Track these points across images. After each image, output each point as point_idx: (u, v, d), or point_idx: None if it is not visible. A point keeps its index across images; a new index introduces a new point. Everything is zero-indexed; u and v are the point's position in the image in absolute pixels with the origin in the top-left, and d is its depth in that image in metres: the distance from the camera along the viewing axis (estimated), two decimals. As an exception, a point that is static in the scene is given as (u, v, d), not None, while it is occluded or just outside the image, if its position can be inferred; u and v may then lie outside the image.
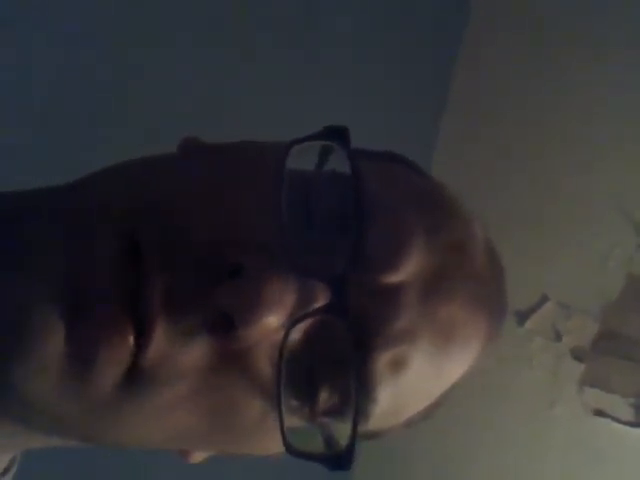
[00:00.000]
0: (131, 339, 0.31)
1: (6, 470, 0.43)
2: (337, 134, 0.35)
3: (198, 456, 0.42)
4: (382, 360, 0.34)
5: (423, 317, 0.35)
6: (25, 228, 0.35)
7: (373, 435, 0.39)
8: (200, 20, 1.15)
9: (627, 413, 1.49)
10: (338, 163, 0.35)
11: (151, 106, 1.08)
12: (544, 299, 1.56)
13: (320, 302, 0.32)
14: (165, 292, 0.31)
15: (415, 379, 0.36)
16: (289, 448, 0.33)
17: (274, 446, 0.36)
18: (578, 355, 1.53)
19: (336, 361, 0.33)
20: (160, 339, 0.31)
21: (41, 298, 0.31)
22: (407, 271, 0.34)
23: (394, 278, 0.34)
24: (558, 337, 1.56)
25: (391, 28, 1.44)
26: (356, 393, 0.33)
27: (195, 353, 0.32)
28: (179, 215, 0.33)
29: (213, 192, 0.34)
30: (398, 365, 0.34)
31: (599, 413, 1.51)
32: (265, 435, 0.35)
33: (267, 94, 1.21)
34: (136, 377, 0.32)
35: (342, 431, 0.34)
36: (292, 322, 0.32)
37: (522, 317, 1.57)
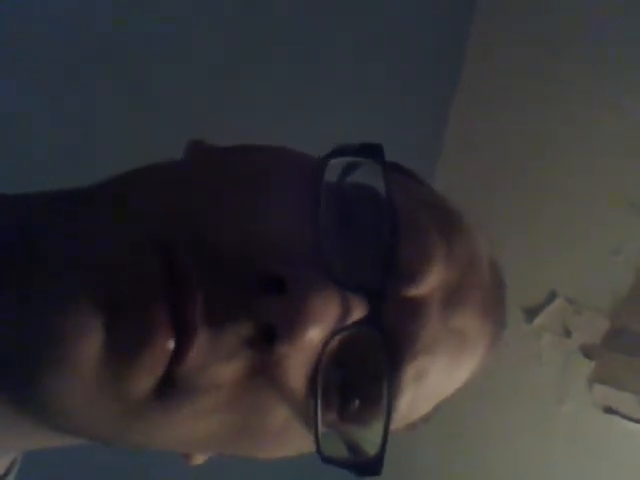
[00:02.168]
0: (171, 347, 0.31)
1: (7, 472, 0.43)
2: (374, 151, 0.36)
3: (200, 457, 0.43)
4: (410, 372, 0.35)
5: (442, 329, 0.36)
6: (57, 232, 0.34)
7: None
8: (201, 21, 1.15)
9: (637, 410, 1.48)
10: (363, 175, 0.36)
11: (151, 106, 1.08)
12: (553, 295, 1.55)
13: (358, 315, 0.33)
14: (207, 303, 0.31)
15: (429, 387, 0.37)
16: (322, 455, 0.34)
17: (291, 451, 0.38)
18: (588, 352, 1.52)
19: (368, 372, 0.35)
20: (200, 349, 0.31)
21: (79, 303, 0.31)
22: (431, 284, 0.36)
23: (420, 290, 0.35)
24: (567, 334, 1.55)
25: (393, 36, 1.44)
26: (387, 402, 0.34)
27: (233, 365, 0.32)
28: (215, 227, 0.33)
29: (249, 203, 0.34)
30: (420, 376, 0.36)
31: (609, 410, 1.50)
32: (286, 442, 0.36)
33: (268, 97, 1.21)
34: (171, 386, 0.32)
35: (365, 436, 0.35)
36: (331, 335, 0.33)
37: (531, 314, 1.57)
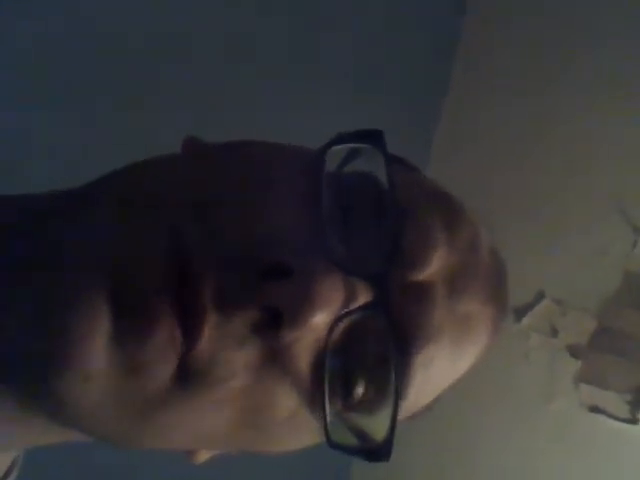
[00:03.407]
0: (180, 336, 0.31)
1: (7, 472, 0.43)
2: (374, 137, 0.36)
3: (202, 456, 0.42)
4: (419, 359, 0.35)
5: (448, 314, 0.36)
6: (63, 230, 0.34)
7: None
8: (202, 22, 1.15)
9: (623, 410, 1.49)
10: (364, 163, 0.37)
11: (150, 106, 1.08)
12: (541, 296, 1.56)
13: (363, 300, 0.34)
14: (215, 290, 0.31)
15: (435, 375, 0.37)
16: (331, 442, 0.34)
17: (298, 442, 0.38)
18: (574, 351, 1.53)
19: (373, 358, 0.35)
20: (210, 335, 0.31)
21: (87, 299, 0.31)
22: (434, 268, 0.36)
23: (424, 275, 0.35)
24: (554, 333, 1.56)
25: (390, 28, 1.44)
26: (396, 388, 0.34)
27: (244, 352, 0.32)
28: (225, 216, 0.33)
29: (255, 193, 0.35)
30: (428, 363, 0.36)
31: (595, 409, 1.51)
32: (293, 431, 0.36)
33: (267, 95, 1.22)
34: (186, 376, 0.32)
35: (371, 423, 0.35)
36: (336, 320, 0.33)
37: (519, 314, 1.57)
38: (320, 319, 0.32)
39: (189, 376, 0.32)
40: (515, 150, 1.58)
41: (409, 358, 0.35)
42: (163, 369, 0.31)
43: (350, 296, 0.33)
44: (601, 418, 1.50)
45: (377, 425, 0.35)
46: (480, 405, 1.59)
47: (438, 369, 0.37)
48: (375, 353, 0.35)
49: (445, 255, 0.36)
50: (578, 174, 1.52)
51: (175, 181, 0.35)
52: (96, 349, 0.31)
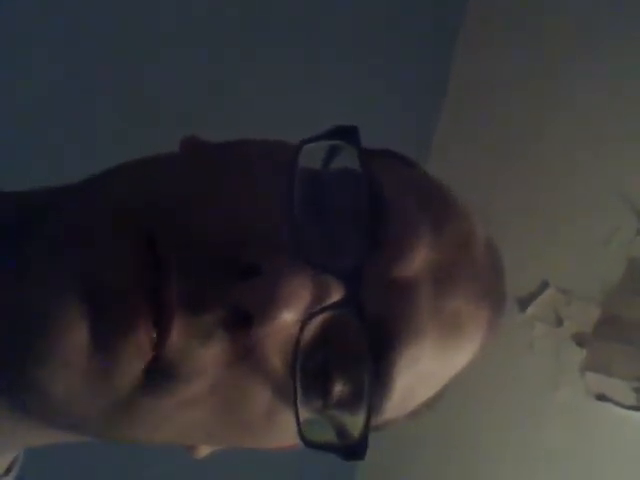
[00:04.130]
0: (151, 333, 0.31)
1: (8, 470, 0.43)
2: (347, 133, 0.35)
3: (203, 450, 0.42)
4: (398, 364, 0.35)
5: (432, 312, 0.35)
6: (40, 228, 0.35)
7: (379, 427, 0.39)
8: (201, 19, 1.15)
9: (629, 397, 1.49)
10: (346, 161, 0.36)
11: (150, 105, 1.08)
12: (545, 285, 1.56)
13: (336, 297, 0.33)
14: (183, 289, 0.32)
15: (423, 373, 0.36)
16: (304, 439, 0.34)
17: (282, 439, 0.38)
18: (579, 340, 1.53)
19: (351, 357, 0.34)
20: (179, 334, 0.32)
21: (61, 297, 0.32)
22: (417, 266, 0.35)
23: (405, 272, 0.34)
24: (559, 323, 1.56)
25: (389, 26, 1.44)
26: (370, 390, 0.34)
27: (213, 349, 0.32)
28: (194, 215, 0.34)
29: (226, 192, 0.35)
30: (411, 364, 0.35)
31: (601, 398, 1.51)
32: (273, 428, 0.36)
33: (266, 95, 1.21)
34: (156, 373, 0.32)
35: (354, 422, 0.35)
36: (307, 317, 0.33)
37: (523, 303, 1.57)
38: (288, 317, 0.32)
39: (158, 373, 0.32)
40: (516, 140, 1.58)
41: (388, 365, 0.34)
42: (134, 367, 0.32)
43: (321, 293, 0.33)
44: (608, 406, 1.50)
45: (359, 423, 0.34)
46: (485, 396, 1.59)
47: (428, 368, 0.36)
48: (351, 352, 0.34)
49: (430, 250, 0.36)
50: (580, 162, 1.52)
51: (153, 180, 0.36)
52: (73, 339, 0.31)
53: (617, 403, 1.49)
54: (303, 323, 0.33)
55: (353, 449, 0.34)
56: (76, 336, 0.31)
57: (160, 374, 0.32)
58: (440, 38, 1.59)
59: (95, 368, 0.32)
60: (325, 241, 0.34)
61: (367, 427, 0.34)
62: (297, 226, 0.33)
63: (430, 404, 0.41)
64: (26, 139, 0.98)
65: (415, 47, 1.50)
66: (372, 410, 0.34)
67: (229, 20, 1.19)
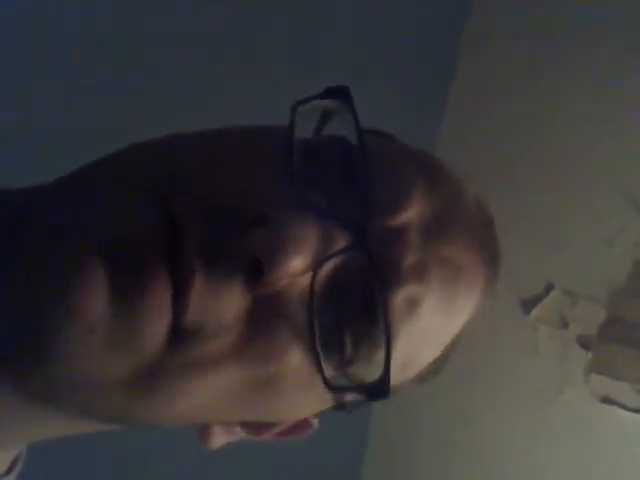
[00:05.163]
0: (173, 289, 0.32)
1: (9, 470, 0.43)
2: (340, 93, 0.37)
3: (218, 440, 0.43)
4: (400, 295, 0.36)
5: (428, 256, 0.37)
6: (57, 198, 0.36)
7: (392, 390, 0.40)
8: (201, 18, 1.15)
9: (634, 400, 1.48)
10: (337, 129, 0.38)
11: (148, 104, 1.08)
12: (550, 287, 1.56)
13: (341, 244, 0.35)
14: (200, 244, 0.33)
15: (427, 319, 0.38)
16: (327, 383, 0.35)
17: (304, 401, 0.39)
18: (584, 343, 1.53)
19: (361, 306, 0.36)
20: (200, 288, 0.32)
21: (79, 261, 0.32)
22: (409, 214, 0.37)
23: (398, 220, 0.36)
24: (564, 325, 1.55)
25: (391, 22, 1.44)
26: (384, 320, 0.35)
27: (233, 301, 0.33)
28: (208, 181, 0.35)
29: (236, 159, 0.37)
30: (413, 304, 0.37)
31: (606, 400, 1.50)
32: (298, 386, 0.37)
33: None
34: (181, 329, 0.33)
35: (373, 371, 0.36)
36: (317, 264, 0.34)
37: (528, 305, 1.57)
38: (297, 262, 0.33)
39: (183, 331, 0.33)
40: (521, 141, 1.58)
41: (390, 295, 0.36)
42: (158, 327, 0.32)
43: (327, 240, 0.34)
44: (613, 409, 1.50)
45: (378, 367, 0.36)
46: (489, 398, 1.58)
47: (430, 315, 0.38)
48: (362, 302, 0.35)
49: (423, 201, 0.37)
50: (585, 163, 1.51)
51: (160, 157, 0.37)
52: (96, 303, 0.32)
53: (622, 406, 1.49)
54: (314, 270, 0.34)
55: (377, 387, 0.36)
56: (95, 298, 0.31)
57: (185, 332, 0.33)
58: (444, 36, 1.59)
59: (120, 328, 0.32)
60: (326, 194, 0.36)
61: (388, 361, 0.35)
62: (300, 181, 0.35)
63: (436, 367, 0.42)
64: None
65: (418, 46, 1.50)
66: (390, 338, 0.35)
67: (229, 20, 1.19)
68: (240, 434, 0.43)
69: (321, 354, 0.35)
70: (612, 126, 1.49)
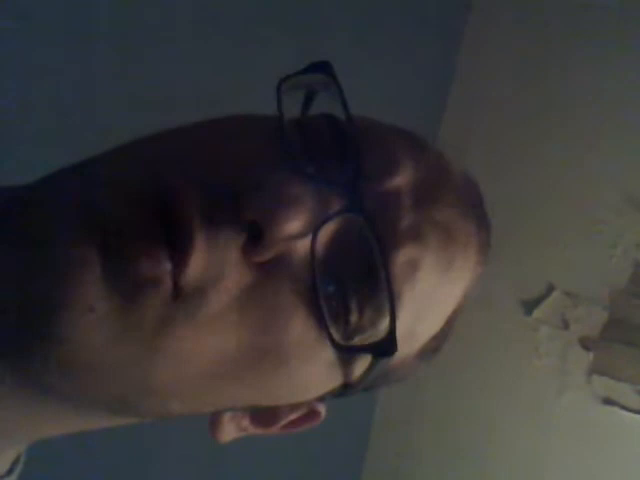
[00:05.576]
0: (171, 255, 0.32)
1: (11, 468, 0.43)
2: (322, 67, 0.39)
3: (228, 433, 0.42)
4: (401, 257, 0.36)
5: (423, 219, 0.38)
6: (50, 184, 0.36)
7: (392, 371, 0.41)
8: (201, 16, 1.15)
9: (636, 401, 1.48)
10: (323, 109, 0.39)
11: (149, 103, 1.08)
12: (551, 288, 1.56)
13: (337, 207, 0.35)
14: (199, 207, 0.33)
15: (428, 282, 0.38)
16: (333, 341, 0.35)
17: (315, 379, 0.39)
18: (586, 344, 1.53)
19: (360, 264, 0.36)
20: (200, 253, 0.32)
21: (69, 240, 0.32)
22: (402, 179, 0.37)
23: (391, 184, 0.37)
24: (566, 326, 1.55)
25: (391, 22, 1.44)
26: (386, 279, 0.35)
27: (234, 266, 0.34)
28: (204, 159, 0.36)
29: (230, 141, 0.38)
30: (413, 266, 0.37)
31: (608, 401, 1.50)
32: (307, 361, 0.37)
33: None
34: (182, 294, 0.33)
35: (378, 332, 0.36)
36: (316, 226, 0.35)
37: (529, 306, 1.57)
38: (296, 224, 0.34)
39: (184, 294, 0.33)
40: (522, 140, 1.58)
41: (391, 254, 0.36)
42: (159, 290, 0.32)
43: (324, 203, 0.35)
44: (614, 409, 1.49)
45: (383, 327, 0.36)
46: (490, 399, 1.58)
47: (429, 277, 0.38)
48: (360, 259, 0.36)
49: (413, 169, 0.38)
50: (586, 165, 1.51)
51: (156, 146, 0.38)
52: (93, 280, 0.31)
53: (623, 407, 1.49)
54: (314, 234, 0.35)
55: (385, 342, 0.36)
56: (92, 275, 0.31)
57: (186, 296, 0.33)
58: (445, 33, 1.59)
59: (119, 300, 0.32)
60: (319, 163, 0.37)
61: (393, 317, 0.35)
62: (292, 152, 0.36)
63: (437, 343, 0.43)
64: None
65: (419, 44, 1.50)
66: (393, 298, 0.35)
67: (229, 19, 1.19)
68: (249, 428, 0.43)
69: (327, 317, 0.35)
70: (613, 126, 1.49)
